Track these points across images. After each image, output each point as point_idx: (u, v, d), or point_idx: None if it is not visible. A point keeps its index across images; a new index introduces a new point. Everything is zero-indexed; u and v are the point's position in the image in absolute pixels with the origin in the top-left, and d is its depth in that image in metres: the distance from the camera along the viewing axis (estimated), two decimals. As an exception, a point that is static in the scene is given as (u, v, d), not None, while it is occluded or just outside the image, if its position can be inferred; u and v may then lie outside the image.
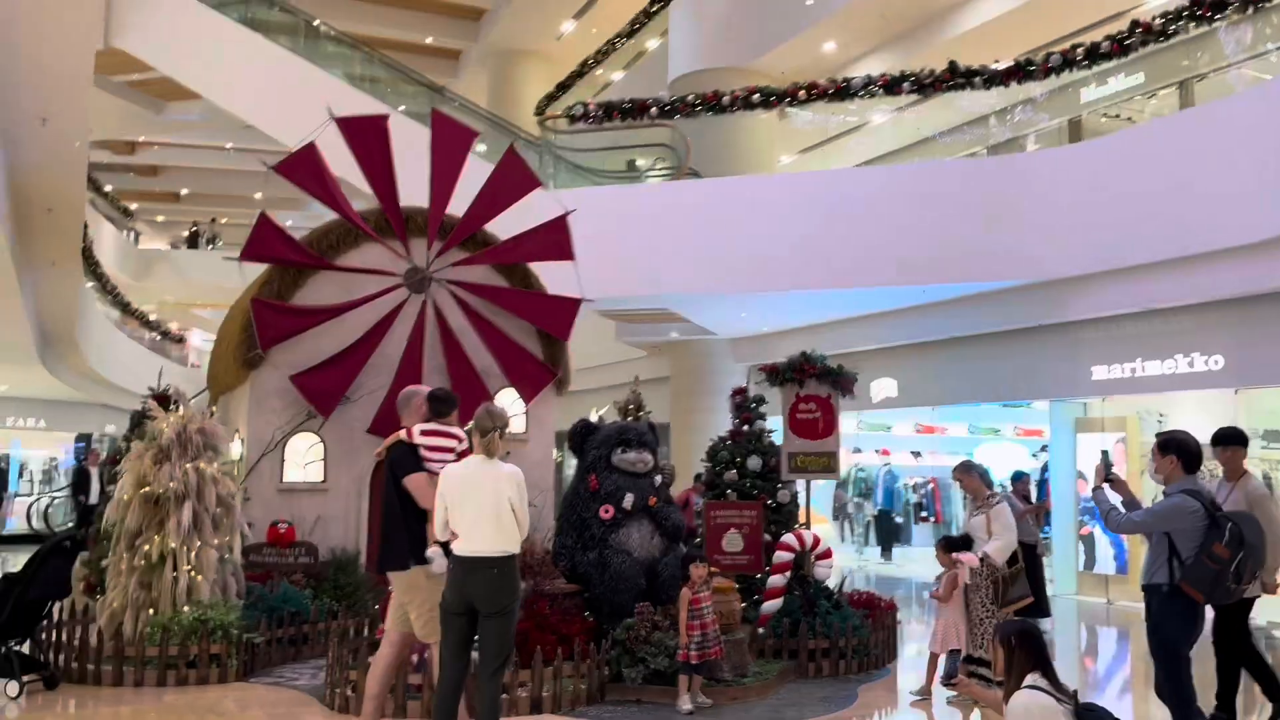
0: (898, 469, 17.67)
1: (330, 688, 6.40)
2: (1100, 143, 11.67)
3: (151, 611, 7.14)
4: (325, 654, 7.79)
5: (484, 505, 4.90)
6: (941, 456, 17.58)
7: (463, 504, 4.88)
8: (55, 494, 22.33)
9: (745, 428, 8.65)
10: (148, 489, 7.31)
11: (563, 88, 24.81)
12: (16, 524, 21.07)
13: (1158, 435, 5.33)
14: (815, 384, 8.13)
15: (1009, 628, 3.83)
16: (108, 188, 30.01)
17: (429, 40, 26.96)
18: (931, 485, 17.19)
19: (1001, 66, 11.90)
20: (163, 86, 18.78)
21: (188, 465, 7.42)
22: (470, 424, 5.33)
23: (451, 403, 5.72)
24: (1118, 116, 14.28)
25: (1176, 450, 5.11)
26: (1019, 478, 10.84)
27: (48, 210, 8.91)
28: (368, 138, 9.51)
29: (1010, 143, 14.95)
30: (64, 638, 7.06)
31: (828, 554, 7.61)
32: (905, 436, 17.99)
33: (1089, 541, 12.20)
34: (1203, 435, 5.57)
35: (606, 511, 7.48)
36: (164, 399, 10.01)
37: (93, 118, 15.88)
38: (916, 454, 17.86)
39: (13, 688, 6.38)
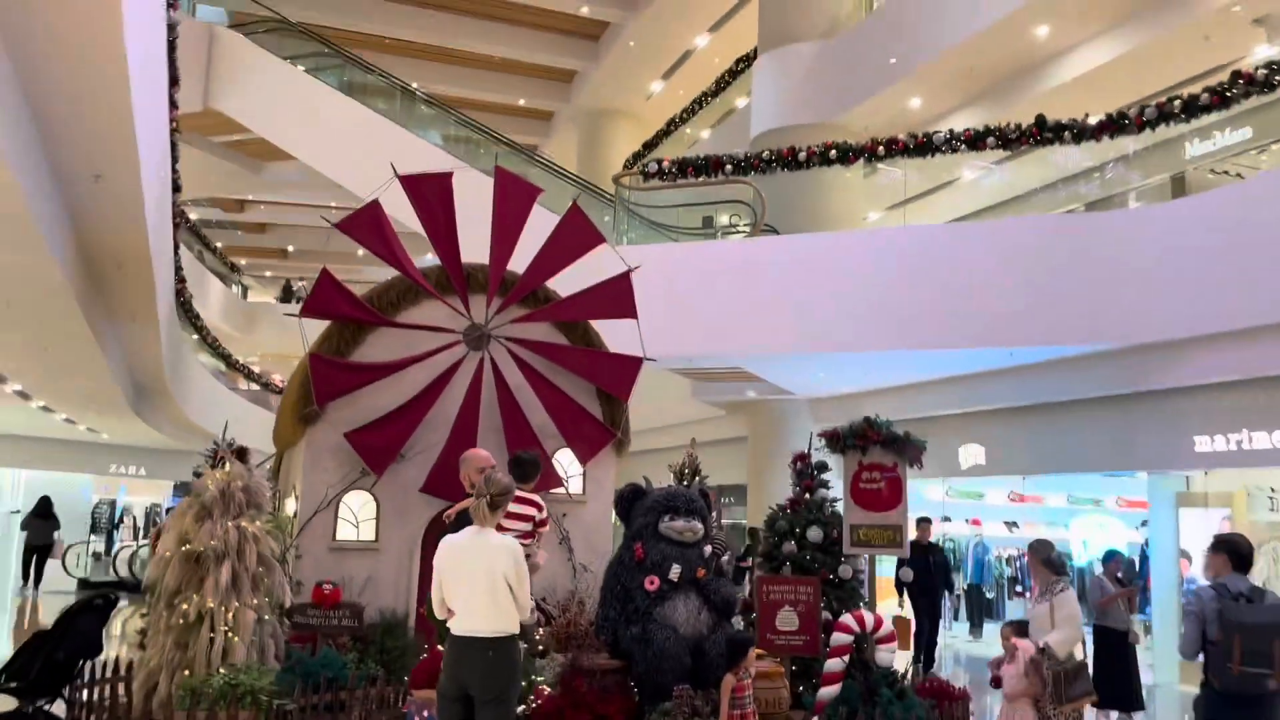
0: (989, 540, 16.80)
1: (352, 763, 6.12)
2: (1203, 199, 10.98)
3: (186, 673, 7.00)
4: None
5: (477, 580, 4.61)
6: (1038, 527, 16.67)
7: (455, 579, 4.60)
8: (144, 543, 22.82)
9: (807, 496, 8.18)
10: (188, 547, 7.22)
11: (649, 146, 24.93)
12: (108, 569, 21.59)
13: (1215, 537, 5.20)
14: (880, 451, 7.65)
15: None
16: (217, 244, 31.18)
17: (522, 102, 27.45)
18: (1027, 558, 16.26)
19: (1093, 121, 11.32)
20: (260, 147, 19.37)
21: (229, 523, 7.31)
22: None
23: (535, 466, 5.46)
24: (1225, 173, 13.52)
25: (1228, 550, 5.35)
26: (1111, 557, 10.07)
27: (118, 266, 9.08)
28: (432, 195, 9.46)
29: (1108, 200, 14.28)
30: (95, 697, 6.96)
31: (891, 637, 7.06)
32: (999, 505, 17.14)
33: (1194, 627, 11.25)
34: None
35: (652, 583, 7.11)
36: (218, 456, 10.08)
37: (193, 176, 16.46)
38: (1012, 525, 16.99)
39: (38, 750, 6.29)
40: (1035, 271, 11.14)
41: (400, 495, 9.25)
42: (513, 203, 9.82)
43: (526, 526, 5.24)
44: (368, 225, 9.24)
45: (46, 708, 6.44)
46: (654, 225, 14.69)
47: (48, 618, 15.23)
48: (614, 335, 10.13)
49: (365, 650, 8.28)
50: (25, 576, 19.41)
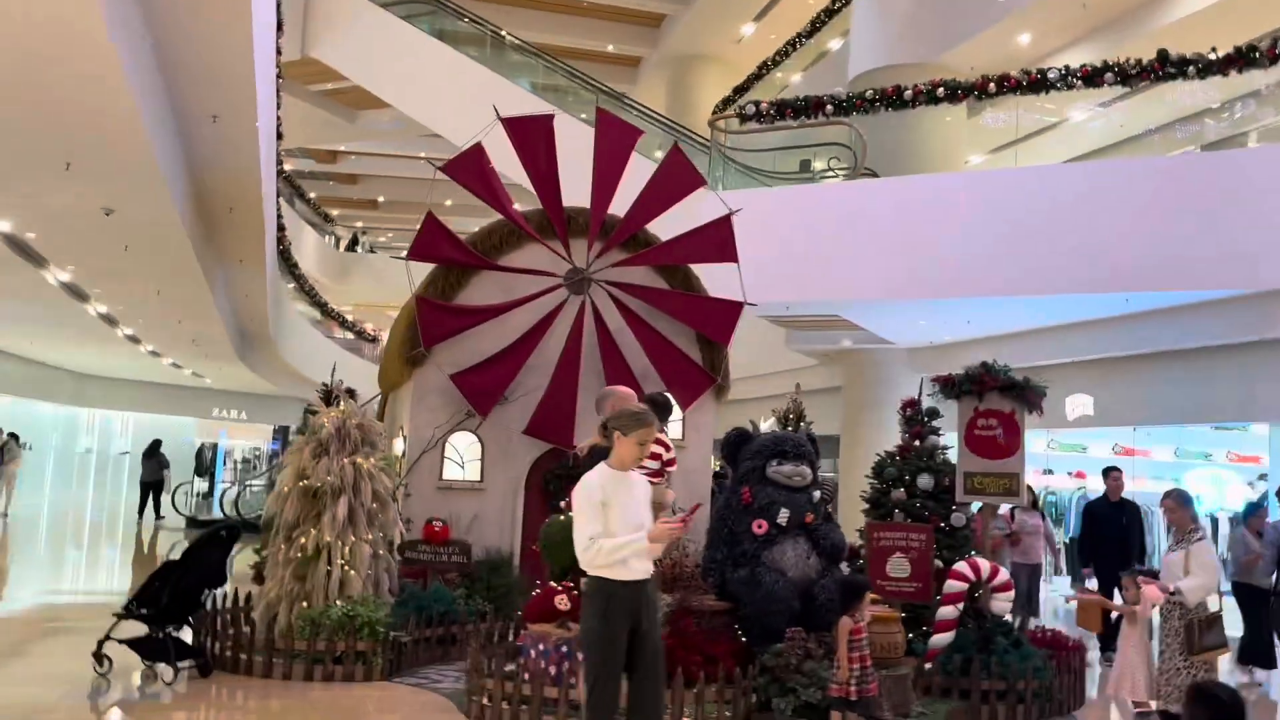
0: (1094, 494, 16.33)
1: (469, 695, 6.23)
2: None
3: (304, 604, 7.20)
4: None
5: (644, 519, 4.58)
6: (1144, 481, 16.17)
7: (624, 516, 4.48)
8: (249, 482, 23.61)
9: (916, 443, 8.01)
10: (306, 482, 7.38)
11: (740, 91, 24.45)
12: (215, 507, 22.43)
13: None
14: (997, 398, 7.42)
15: (1199, 690, 3.17)
16: (311, 194, 31.70)
17: (609, 48, 27.15)
18: (1162, 506, 15.75)
19: (1219, 55, 10.70)
20: (355, 96, 19.53)
21: (345, 460, 7.45)
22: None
23: (668, 408, 5.43)
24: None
25: None
26: (1253, 510, 9.55)
27: (229, 209, 9.23)
28: (533, 138, 9.41)
29: (1229, 140, 13.56)
30: (220, 626, 7.20)
31: (1007, 585, 6.91)
32: (1103, 458, 16.62)
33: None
34: None
35: (760, 527, 7.05)
36: (332, 394, 10.27)
37: (290, 125, 16.68)
38: (1115, 478, 16.44)
39: (168, 673, 6.52)
40: (1154, 215, 10.64)
41: (504, 437, 9.34)
42: (613, 145, 9.72)
43: (655, 465, 5.19)
44: (471, 168, 9.24)
45: (175, 634, 6.68)
46: (748, 170, 14.43)
47: (161, 550, 15.90)
48: (712, 281, 10.01)
49: (472, 586, 8.44)
50: (141, 511, 20.38)
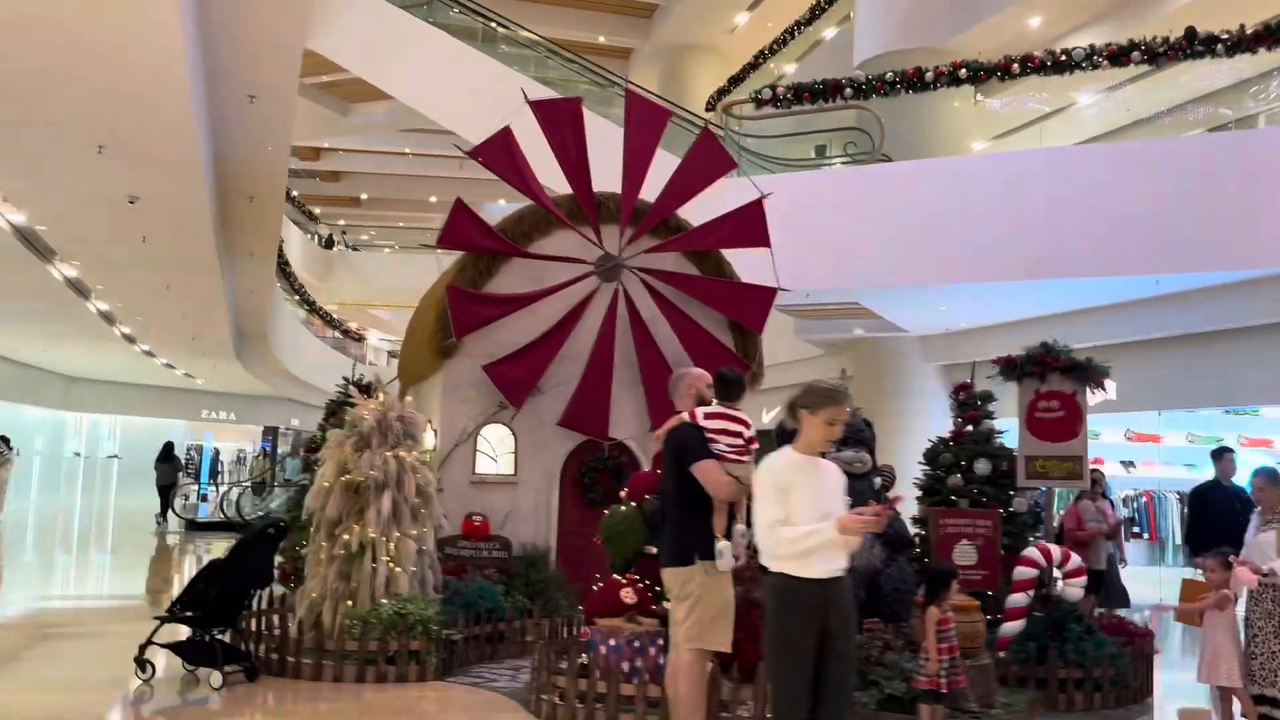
0: (1109, 481, 16.25)
1: (536, 693, 5.98)
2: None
3: (350, 603, 6.93)
4: (521, 654, 7.46)
5: (835, 508, 4.04)
6: (1157, 466, 16.11)
7: (811, 506, 3.97)
8: (244, 482, 23.31)
9: (969, 428, 7.82)
10: (348, 477, 7.11)
11: (735, 81, 24.23)
12: (209, 512, 22.06)
13: None
14: (1059, 379, 7.25)
15: None
16: (294, 192, 31.28)
17: (600, 39, 26.88)
18: (1145, 498, 15.75)
19: (1249, 31, 10.59)
20: (349, 89, 19.18)
21: (388, 453, 7.18)
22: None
23: (741, 385, 5.19)
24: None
25: None
26: None
27: (249, 199, 8.92)
28: (562, 121, 9.17)
29: (1242, 122, 13.48)
30: (264, 627, 6.91)
31: (1079, 571, 6.73)
32: (1115, 444, 16.56)
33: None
34: None
35: (822, 514, 6.84)
36: (362, 388, 9.99)
37: (284, 119, 16.35)
38: (1128, 464, 16.42)
39: (216, 678, 6.23)
40: (1183, 194, 10.50)
41: (537, 428, 9.09)
42: (643, 127, 9.49)
43: (740, 442, 4.97)
44: (500, 151, 8.97)
45: (221, 637, 6.39)
46: (761, 157, 14.22)
47: (174, 552, 15.52)
48: (741, 267, 9.81)
49: (511, 582, 8.19)
50: (163, 513, 20.47)
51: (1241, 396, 12.07)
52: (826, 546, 3.91)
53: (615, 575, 6.24)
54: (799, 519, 3.91)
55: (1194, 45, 10.78)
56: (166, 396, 28.65)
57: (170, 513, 20.32)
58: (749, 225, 9.41)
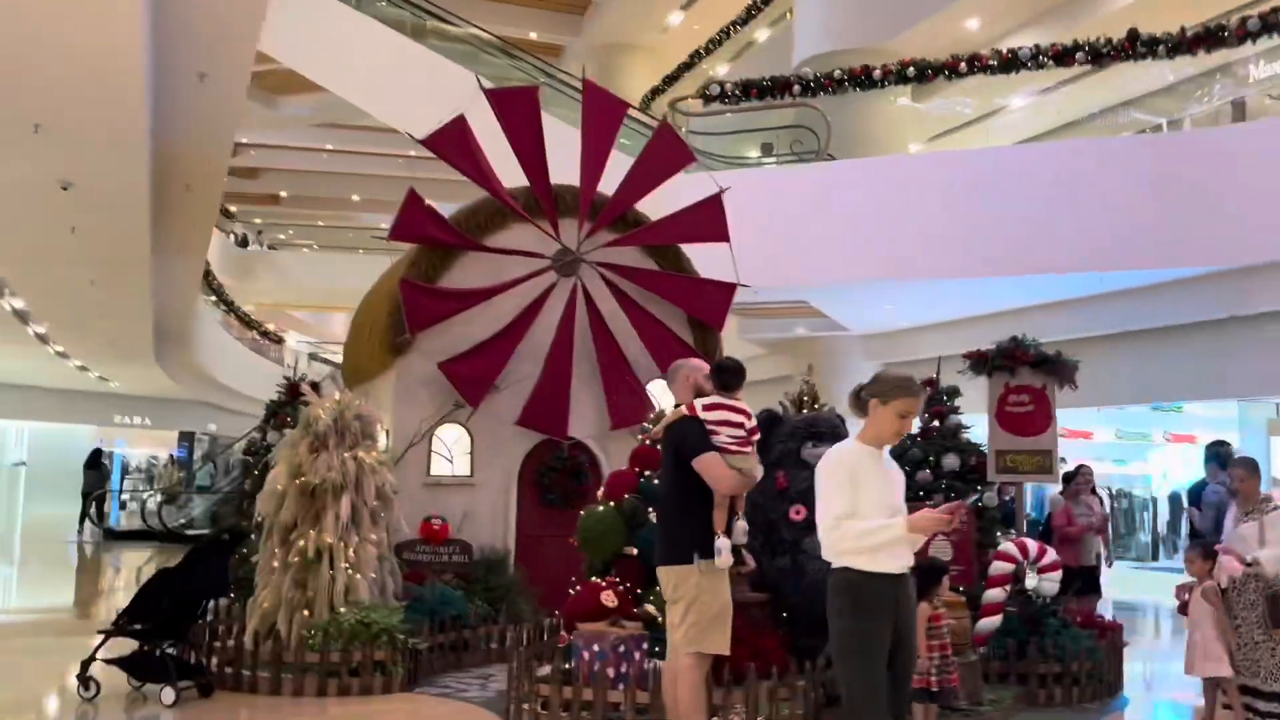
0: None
1: (515, 702, 5.71)
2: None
3: (306, 613, 6.57)
4: (487, 662, 7.19)
5: (897, 504, 3.94)
6: (1086, 461, 16.43)
7: (880, 500, 3.83)
8: (153, 491, 22.52)
9: (936, 423, 7.78)
10: (303, 479, 6.75)
11: (669, 81, 24.15)
12: (122, 520, 21.19)
13: None
14: (1028, 373, 7.25)
15: None
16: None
17: (532, 35, 26.51)
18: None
19: (1190, 33, 10.83)
20: (276, 80, 18.56)
21: (346, 454, 6.84)
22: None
23: (742, 374, 4.98)
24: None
25: None
26: None
27: (186, 187, 8.44)
28: (518, 110, 8.90)
29: (1171, 126, 13.85)
30: (216, 639, 6.52)
31: (1055, 566, 6.71)
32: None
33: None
34: None
35: (798, 513, 6.69)
36: (295, 391, 9.58)
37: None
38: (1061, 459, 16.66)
39: (168, 694, 5.83)
40: (1130, 192, 10.71)
41: (494, 428, 8.81)
42: (602, 118, 9.27)
43: (742, 434, 4.79)
44: (454, 140, 8.67)
45: (170, 650, 5.98)
46: (707, 155, 14.11)
47: (91, 561, 14.76)
48: (697, 264, 9.66)
49: (471, 587, 7.90)
50: (82, 521, 19.58)
51: (1167, 393, 12.34)
52: (895, 543, 3.77)
53: (594, 578, 6.00)
54: (867, 513, 3.75)
55: (1137, 46, 11.00)
56: (78, 400, 27.42)
57: (89, 521, 19.47)
58: (708, 220, 9.25)
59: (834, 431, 6.99)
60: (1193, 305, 11.17)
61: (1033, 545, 6.75)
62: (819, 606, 6.41)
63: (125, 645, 6.17)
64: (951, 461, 7.51)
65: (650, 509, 6.06)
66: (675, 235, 9.36)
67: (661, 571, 4.71)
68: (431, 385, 8.64)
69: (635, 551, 5.97)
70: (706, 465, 4.61)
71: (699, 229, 9.31)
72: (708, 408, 4.80)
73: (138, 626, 5.84)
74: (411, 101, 13.31)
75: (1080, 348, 13.25)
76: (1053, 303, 12.83)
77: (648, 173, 9.26)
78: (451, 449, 8.73)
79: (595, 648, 5.55)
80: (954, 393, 7.88)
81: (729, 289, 9.34)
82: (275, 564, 6.74)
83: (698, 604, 4.55)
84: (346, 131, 25.02)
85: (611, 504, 6.11)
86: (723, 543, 4.60)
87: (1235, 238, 10.13)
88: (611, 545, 6.00)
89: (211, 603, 6.58)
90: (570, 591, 6.13)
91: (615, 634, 5.56)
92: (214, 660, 6.41)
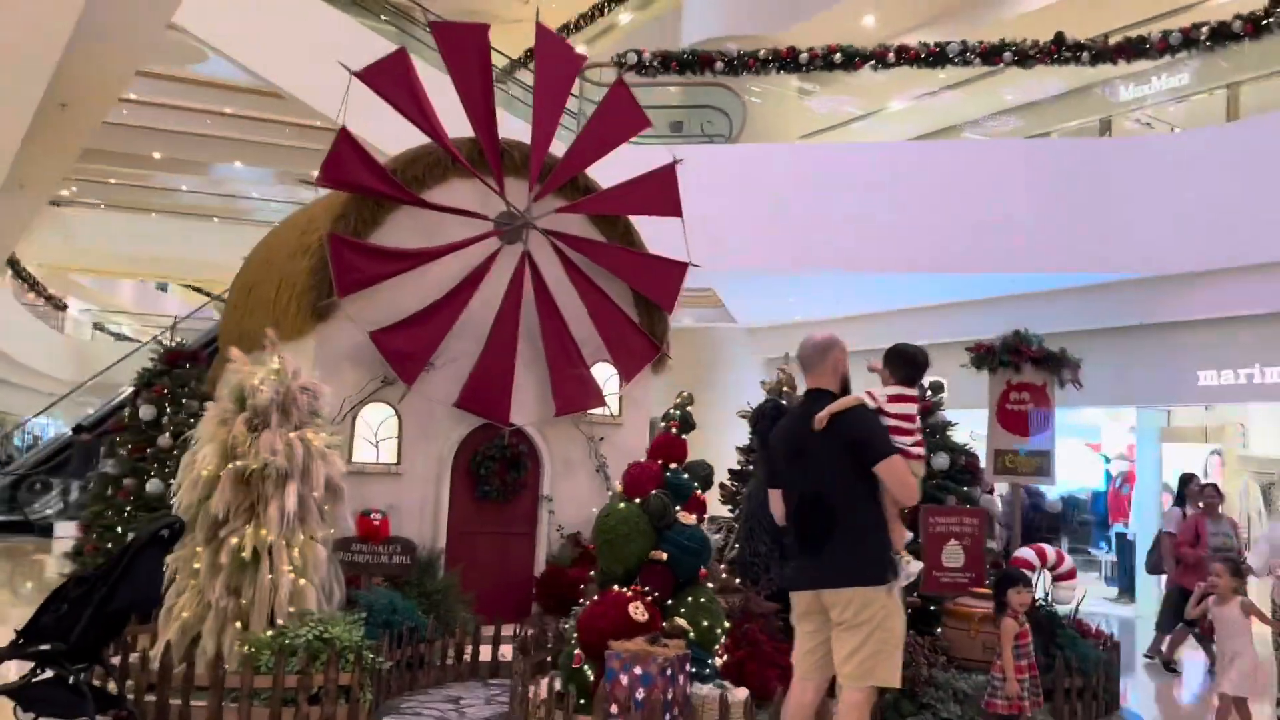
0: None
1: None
2: (1226, 129, 10.83)
3: (238, 624, 5.39)
4: (441, 681, 6.21)
5: None
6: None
7: None
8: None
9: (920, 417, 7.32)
10: (239, 464, 5.54)
11: (531, 54, 23.12)
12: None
13: None
14: (1031, 370, 6.91)
15: None
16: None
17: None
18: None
19: (1113, 42, 10.99)
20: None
21: (292, 435, 5.67)
22: None
23: (926, 366, 4.22)
24: (1149, 124, 13.61)
25: None
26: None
27: (61, 105, 6.89)
28: (466, 50, 7.89)
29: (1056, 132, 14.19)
30: (131, 659, 5.23)
31: (1071, 574, 6.38)
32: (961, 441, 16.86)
33: None
34: None
35: (813, 512, 6.08)
36: (187, 355, 8.21)
37: None
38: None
39: (87, 738, 4.52)
40: (1045, 196, 10.76)
41: (425, 411, 7.75)
42: (556, 69, 8.40)
43: (921, 436, 4.09)
44: (393, 76, 7.56)
45: (86, 679, 4.66)
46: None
47: None
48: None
49: (403, 592, 6.84)
50: None
51: (1083, 397, 12.56)
52: None
53: (619, 589, 5.15)
54: None
55: (1062, 50, 11.06)
56: None
57: None
58: (661, 191, 8.53)
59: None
60: (1101, 311, 11.32)
61: (1051, 551, 6.40)
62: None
63: (10, 670, 4.82)
64: (942, 461, 7.09)
65: (678, 508, 5.29)
66: (627, 206, 8.59)
67: (841, 594, 3.87)
68: (357, 359, 7.50)
69: (665, 557, 5.18)
70: (895, 470, 3.87)
71: (651, 201, 8.57)
72: (893, 399, 4.06)
73: (45, 648, 4.51)
74: (285, 47, 11.79)
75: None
76: (964, 302, 12.83)
77: (601, 134, 8.43)
78: (376, 432, 7.60)
79: (637, 670, 4.70)
80: (938, 387, 7.47)
81: (680, 268, 8.66)
82: (198, 566, 5.51)
83: (880, 630, 3.81)
84: (154, 80, 22.54)
85: (634, 500, 5.28)
86: (914, 566, 3.90)
87: (1150, 247, 10.32)
88: (637, 550, 5.19)
89: (150, 611, 5.26)
90: (583, 602, 5.27)
91: (660, 653, 4.73)
92: (128, 684, 5.12)
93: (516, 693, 5.03)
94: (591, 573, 5.46)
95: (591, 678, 4.98)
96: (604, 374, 8.48)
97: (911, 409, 4.11)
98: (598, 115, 8.50)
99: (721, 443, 11.31)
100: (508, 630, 6.91)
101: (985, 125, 15.72)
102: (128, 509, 7.69)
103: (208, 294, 20.54)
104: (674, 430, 5.56)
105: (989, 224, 10.86)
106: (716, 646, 5.26)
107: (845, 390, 4.16)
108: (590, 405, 8.27)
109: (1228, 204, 9.98)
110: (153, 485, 7.74)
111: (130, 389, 8.37)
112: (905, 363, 4.18)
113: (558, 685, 5.08)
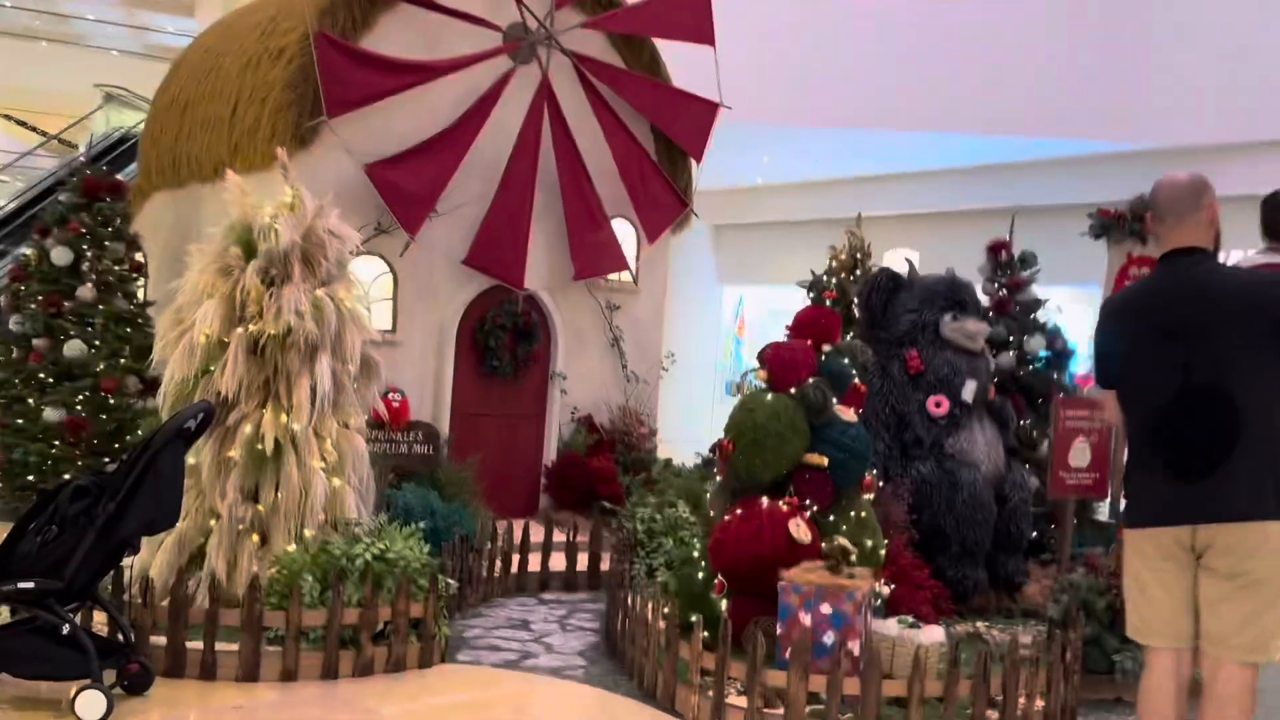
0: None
1: (712, 700, 3.73)
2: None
3: (256, 539, 4.09)
4: (490, 597, 5.08)
5: None
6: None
7: None
8: None
9: (1008, 295, 6.41)
10: (254, 327, 4.13)
11: None
12: None
13: None
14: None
15: None
16: None
17: None
18: None
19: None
20: None
21: (320, 292, 4.27)
22: None
23: None
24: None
25: None
26: None
27: None
28: None
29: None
30: (134, 596, 3.85)
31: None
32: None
33: None
34: None
35: (939, 405, 5.16)
36: (95, 186, 6.53)
37: None
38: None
39: (95, 703, 3.16)
40: (1053, 55, 9.88)
41: (425, 268, 6.36)
42: None
43: None
44: None
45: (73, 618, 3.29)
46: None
47: None
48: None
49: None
50: None
51: (1058, 274, 12.03)
52: None
53: (765, 500, 4.07)
54: None
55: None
56: None
57: None
58: (691, 14, 7.19)
59: (976, 301, 5.49)
60: (1075, 185, 10.67)
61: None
62: (977, 528, 4.99)
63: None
64: (1038, 343, 6.23)
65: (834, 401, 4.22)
66: (655, 27, 7.22)
67: (1242, 531, 2.80)
68: (343, 198, 5.95)
69: (826, 461, 4.12)
70: None
71: (680, 25, 7.24)
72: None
73: (28, 585, 3.11)
74: None
75: (951, 221, 12.65)
76: (932, 171, 11.99)
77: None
78: (369, 293, 6.18)
79: (825, 609, 3.67)
80: (1029, 260, 6.55)
81: (712, 109, 7.40)
82: (194, 461, 4.13)
83: None
84: None
85: (783, 391, 4.16)
86: None
87: (1174, 113, 9.63)
88: (792, 453, 4.10)
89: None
90: (726, 518, 4.17)
91: (853, 587, 3.71)
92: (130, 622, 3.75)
93: (658, 636, 3.92)
94: (717, 476, 4.36)
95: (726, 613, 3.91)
96: (623, 232, 7.24)
97: None
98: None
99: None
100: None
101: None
102: (42, 374, 6.07)
103: (42, 132, 17.65)
104: (827, 301, 4.44)
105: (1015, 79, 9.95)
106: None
107: (1218, 250, 3.11)
108: (612, 269, 7.05)
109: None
110: (72, 347, 6.11)
111: (35, 228, 6.57)
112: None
113: (663, 615, 4.00)
